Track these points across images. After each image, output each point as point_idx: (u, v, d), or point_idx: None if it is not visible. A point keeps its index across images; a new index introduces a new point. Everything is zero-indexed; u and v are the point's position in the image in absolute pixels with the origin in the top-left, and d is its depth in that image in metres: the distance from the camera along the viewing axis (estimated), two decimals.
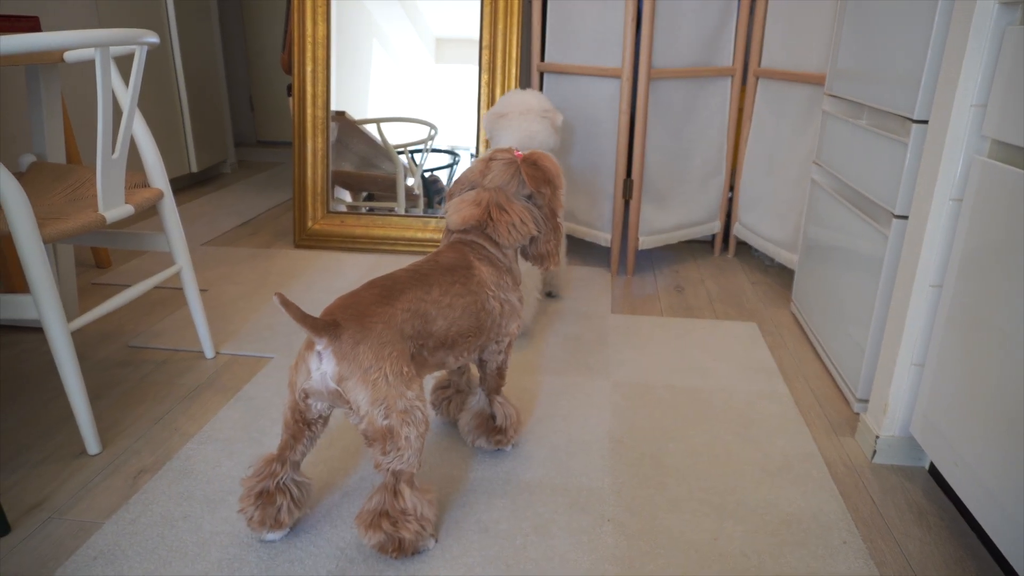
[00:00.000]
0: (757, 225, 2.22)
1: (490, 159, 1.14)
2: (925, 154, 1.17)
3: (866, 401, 1.40)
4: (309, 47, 2.35)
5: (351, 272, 2.18)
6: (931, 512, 1.14)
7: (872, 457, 1.28)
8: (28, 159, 1.57)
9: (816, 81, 1.90)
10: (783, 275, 2.22)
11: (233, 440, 1.31)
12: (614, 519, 1.11)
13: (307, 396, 0.97)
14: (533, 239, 1.16)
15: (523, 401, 1.45)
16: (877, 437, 1.26)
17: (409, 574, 1.00)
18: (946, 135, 1.09)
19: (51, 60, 1.47)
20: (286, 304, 0.89)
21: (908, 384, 1.22)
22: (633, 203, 2.13)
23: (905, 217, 1.26)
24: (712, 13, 2.10)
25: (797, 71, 1.98)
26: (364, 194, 2.56)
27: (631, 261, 2.19)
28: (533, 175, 1.12)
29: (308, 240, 2.41)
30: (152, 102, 2.92)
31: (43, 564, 1.01)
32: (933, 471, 1.24)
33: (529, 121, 1.72)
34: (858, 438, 1.34)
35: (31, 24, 1.90)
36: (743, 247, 2.47)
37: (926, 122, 1.21)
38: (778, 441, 1.33)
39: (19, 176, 1.51)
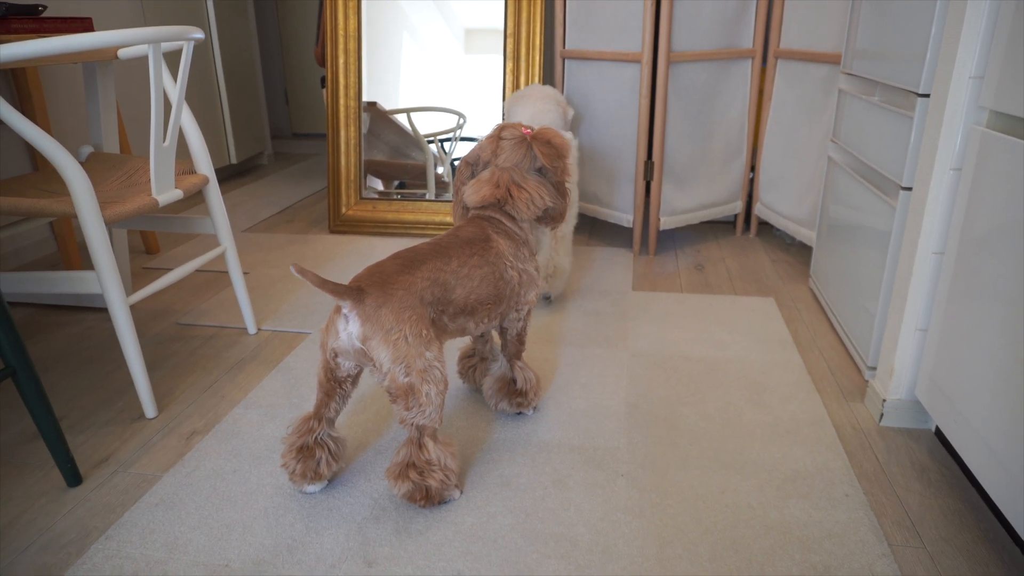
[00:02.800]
0: (777, 204, 2.26)
1: (499, 137, 1.22)
2: (927, 126, 1.21)
3: (875, 368, 1.45)
4: (341, 40, 2.45)
5: (383, 254, 2.28)
6: (933, 470, 1.20)
7: (880, 420, 1.33)
8: (87, 150, 1.70)
9: (833, 60, 1.93)
10: (803, 253, 2.25)
11: (275, 406, 1.42)
12: (627, 474, 1.19)
13: (336, 355, 1.06)
14: (546, 208, 1.24)
15: (544, 370, 1.53)
16: (884, 401, 1.32)
17: (437, 519, 1.09)
18: (945, 107, 1.14)
19: (106, 57, 1.59)
20: (303, 272, 0.99)
21: (913, 349, 1.27)
22: (654, 184, 2.19)
23: (910, 188, 1.31)
24: None
25: (815, 51, 2.01)
26: (396, 183, 2.66)
27: (652, 241, 2.25)
28: (546, 152, 1.20)
29: (342, 225, 2.52)
30: (194, 97, 3.06)
31: (111, 510, 1.12)
32: (939, 433, 1.29)
33: (544, 102, 1.85)
34: (867, 403, 1.39)
35: (85, 25, 2.03)
36: (765, 227, 2.50)
37: (929, 95, 1.25)
38: (789, 406, 1.39)
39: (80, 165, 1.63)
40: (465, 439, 1.29)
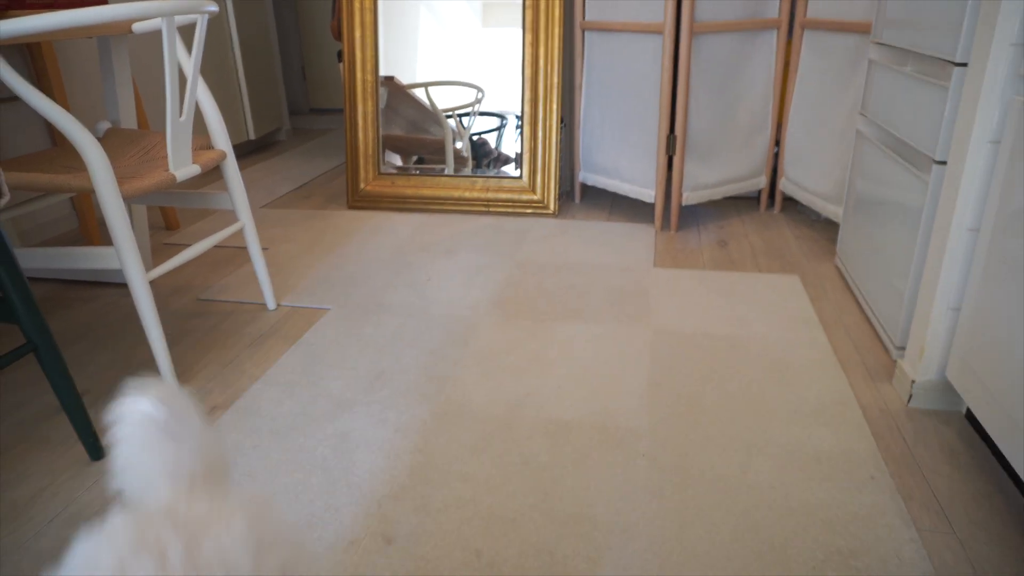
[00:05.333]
0: (803, 179, 2.20)
1: None
2: (964, 96, 1.16)
3: (904, 349, 1.41)
4: (358, 13, 2.42)
5: (402, 229, 2.27)
6: (963, 453, 1.17)
7: (908, 402, 1.30)
8: (104, 126, 1.69)
9: (862, 30, 1.86)
10: (829, 229, 2.20)
11: (294, 383, 1.42)
12: (648, 454, 1.18)
13: None
14: None
15: (564, 348, 1.52)
16: (913, 382, 1.28)
17: (455, 497, 1.08)
18: (984, 76, 1.09)
19: (121, 31, 1.57)
20: None
21: (945, 328, 1.24)
22: (676, 159, 2.14)
23: (944, 163, 1.26)
24: None
25: (843, 20, 1.94)
26: (414, 158, 2.64)
27: (675, 216, 2.21)
28: None
29: (361, 201, 2.51)
30: (211, 72, 3.05)
31: None
32: (970, 416, 1.26)
33: None
34: (895, 384, 1.36)
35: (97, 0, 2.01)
36: (790, 203, 2.45)
37: (966, 65, 1.20)
38: (814, 386, 1.36)
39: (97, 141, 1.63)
40: (485, 418, 1.29)
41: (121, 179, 1.31)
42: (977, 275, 1.14)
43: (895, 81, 1.53)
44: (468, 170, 2.53)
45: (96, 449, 1.19)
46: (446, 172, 2.54)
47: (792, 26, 2.17)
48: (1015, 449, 0.99)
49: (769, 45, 2.19)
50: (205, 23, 1.39)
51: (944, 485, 1.09)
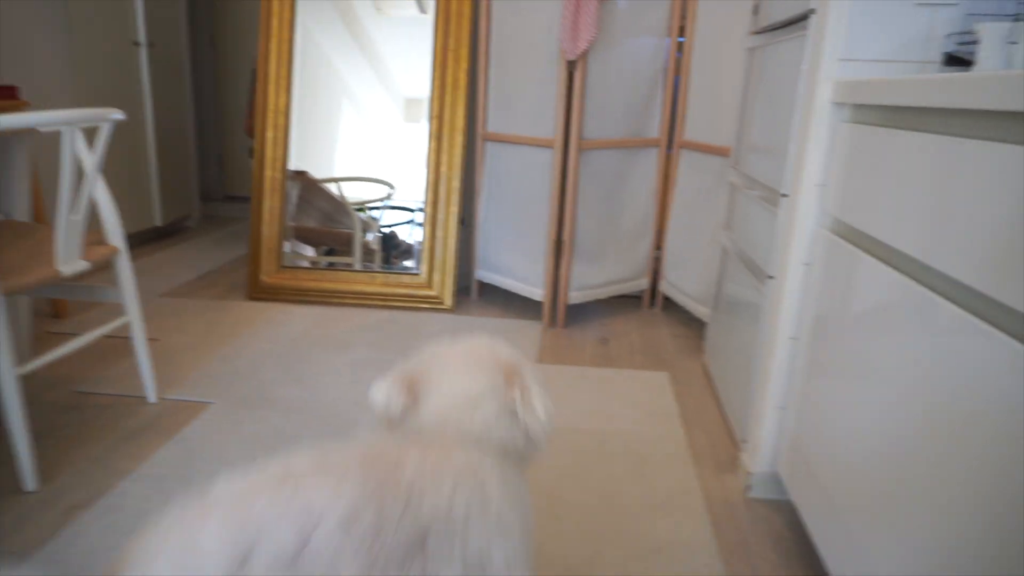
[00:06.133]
0: (680, 282, 2.40)
1: None
2: (786, 223, 1.35)
3: (747, 442, 1.55)
4: (271, 115, 2.54)
5: (299, 322, 2.31)
6: (788, 539, 1.28)
7: (746, 492, 1.41)
8: None
9: (727, 154, 2.11)
10: (702, 328, 2.38)
11: (165, 477, 1.41)
12: None
13: None
14: None
15: None
16: (750, 473, 1.41)
17: None
18: (797, 208, 1.28)
19: (24, 131, 1.62)
20: None
21: (774, 425, 1.37)
22: (564, 261, 2.30)
23: (773, 277, 1.44)
24: (641, 90, 2.32)
25: (713, 144, 2.19)
26: (324, 249, 2.72)
27: (561, 314, 2.34)
28: None
29: (261, 293, 2.54)
30: (121, 157, 3.08)
31: None
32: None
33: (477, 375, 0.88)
34: (737, 475, 1.48)
35: (9, 92, 2.06)
36: (670, 302, 2.64)
37: (787, 196, 1.40)
38: (665, 478, 1.47)
39: None
40: None
41: (3, 273, 1.32)
42: (798, 378, 1.29)
43: (746, 202, 1.73)
44: (377, 263, 2.62)
45: None
46: (355, 266, 2.62)
47: (672, 143, 2.42)
48: (825, 535, 1.11)
49: (651, 160, 2.43)
50: (109, 130, 1.46)
51: (768, 570, 1.19)
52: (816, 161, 1.26)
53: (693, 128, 2.32)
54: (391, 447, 0.71)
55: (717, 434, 1.67)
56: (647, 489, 1.42)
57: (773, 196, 1.48)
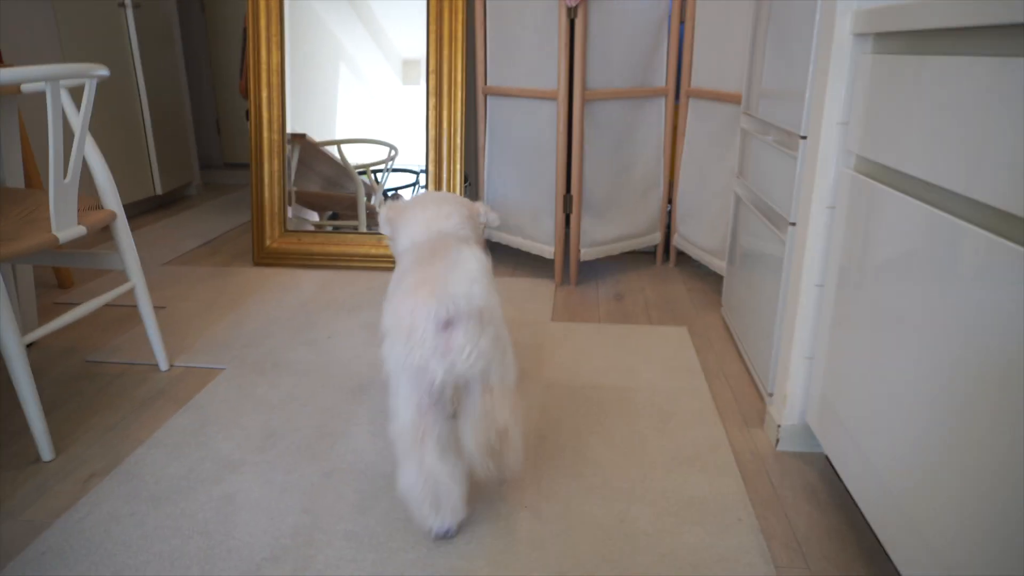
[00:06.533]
0: (693, 235, 2.35)
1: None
2: (806, 166, 1.30)
3: (773, 395, 1.52)
4: (264, 74, 2.46)
5: (307, 286, 2.27)
6: (822, 491, 1.26)
7: (776, 445, 1.39)
8: None
9: (737, 100, 2.04)
10: (718, 282, 2.34)
11: (181, 444, 1.39)
12: (531, 506, 1.21)
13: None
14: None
15: None
16: (779, 426, 1.38)
17: (336, 557, 1.08)
18: (819, 149, 1.22)
19: (9, 91, 1.56)
20: None
21: (802, 376, 1.34)
22: (573, 217, 2.25)
23: (795, 224, 1.39)
24: (645, 37, 2.24)
25: (722, 91, 2.12)
26: (329, 214, 2.66)
27: (573, 272, 2.30)
28: None
29: (266, 258, 2.50)
30: (115, 126, 3.00)
31: None
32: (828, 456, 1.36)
33: (445, 205, 1.37)
34: (765, 429, 1.45)
35: None
36: (684, 256, 2.59)
37: (807, 138, 1.34)
38: (692, 433, 1.44)
39: None
40: (375, 475, 1.29)
41: None
42: (825, 327, 1.25)
43: (761, 149, 1.68)
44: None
45: None
46: (359, 229, 2.57)
47: (679, 93, 2.35)
48: (862, 487, 1.08)
49: (658, 110, 2.36)
50: (93, 87, 1.40)
51: (803, 524, 1.17)
52: (837, 98, 1.20)
53: (700, 75, 2.24)
54: (439, 249, 1.21)
55: (741, 388, 1.64)
56: (674, 444, 1.40)
57: (790, 139, 1.43)
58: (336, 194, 2.62)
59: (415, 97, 2.50)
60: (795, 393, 1.35)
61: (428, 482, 1.07)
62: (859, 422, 1.08)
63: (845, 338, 1.17)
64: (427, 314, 1.05)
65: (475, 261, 1.03)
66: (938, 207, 0.87)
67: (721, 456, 1.36)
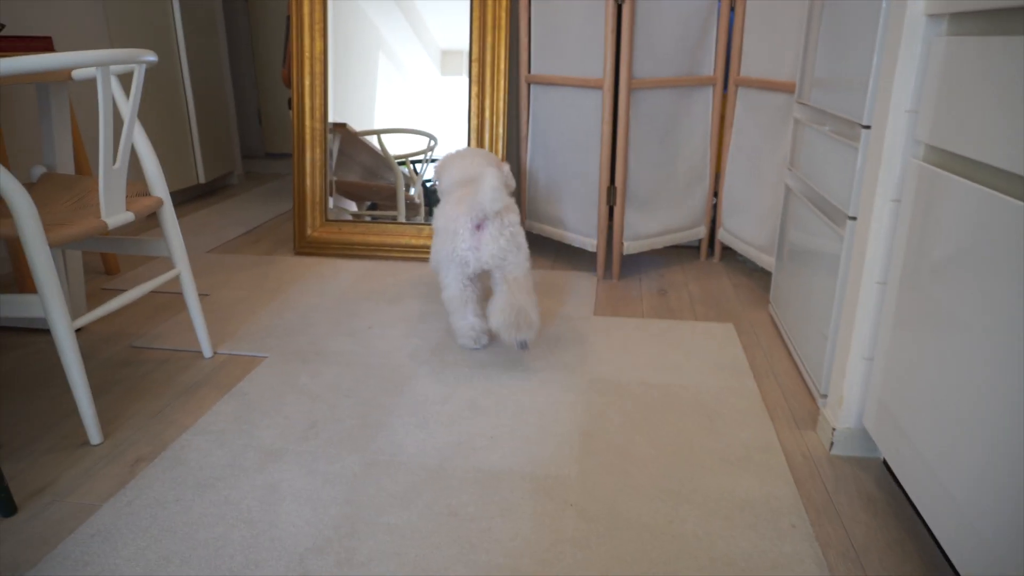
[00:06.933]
0: (739, 230, 2.28)
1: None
2: (869, 157, 1.24)
3: (827, 396, 1.46)
4: (308, 62, 2.46)
5: (348, 276, 2.27)
6: (880, 499, 1.20)
7: (830, 448, 1.34)
8: (39, 170, 1.67)
9: (789, 89, 1.97)
10: (764, 278, 2.28)
11: (225, 432, 1.39)
12: (576, 504, 1.18)
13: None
14: None
15: (500, 397, 1.52)
16: (834, 429, 1.32)
17: (379, 551, 1.07)
18: (884, 139, 1.16)
19: (60, 78, 1.57)
20: None
21: (860, 377, 1.28)
22: (617, 209, 2.21)
23: (855, 218, 1.33)
24: (693, 25, 2.18)
25: (773, 79, 2.05)
26: (368, 204, 2.66)
27: (616, 265, 2.26)
28: None
29: (307, 247, 2.51)
30: (161, 115, 3.04)
31: (45, 541, 1.09)
32: (887, 462, 1.30)
33: (479, 158, 1.87)
34: (818, 431, 1.40)
35: (44, 44, 2.01)
36: (729, 251, 2.53)
37: (870, 127, 1.28)
38: (741, 433, 1.39)
39: (30, 186, 1.61)
40: (415, 467, 1.28)
41: (49, 226, 1.29)
42: (887, 327, 1.20)
43: (816, 139, 1.61)
44: (421, 216, 2.55)
45: (7, 505, 1.15)
46: (399, 219, 2.56)
47: (727, 82, 2.28)
48: (924, 496, 1.03)
49: (706, 100, 2.30)
50: (142, 72, 1.40)
51: (861, 532, 1.12)
52: (906, 85, 1.13)
53: (750, 63, 2.17)
54: (473, 180, 1.69)
55: (791, 387, 1.58)
56: (722, 444, 1.35)
57: (851, 129, 1.37)
58: (375, 184, 2.61)
59: (454, 88, 2.47)
60: (852, 395, 1.30)
61: (471, 330, 1.71)
62: (922, 427, 1.03)
63: (908, 338, 1.11)
64: (464, 221, 1.59)
65: (493, 178, 1.53)
66: (1020, 198, 0.81)
67: (772, 458, 1.31)
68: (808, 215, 1.64)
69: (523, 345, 1.65)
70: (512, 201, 1.61)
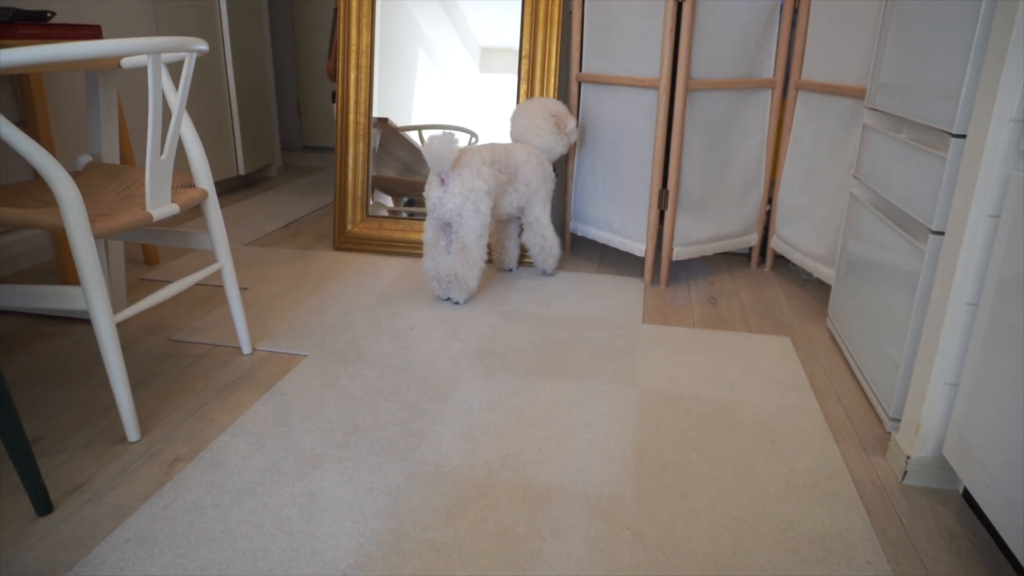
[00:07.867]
0: (795, 239, 2.18)
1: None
2: (963, 169, 1.14)
3: (898, 420, 1.37)
4: (354, 55, 2.41)
5: (388, 273, 2.23)
6: (962, 537, 1.11)
7: (903, 478, 1.25)
8: (85, 159, 1.65)
9: (856, 94, 1.87)
10: (820, 290, 2.18)
11: (264, 434, 1.35)
12: (632, 527, 1.11)
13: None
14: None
15: (548, 407, 1.46)
16: (908, 458, 1.23)
17: (426, 568, 1.01)
18: (983, 150, 1.07)
19: (109, 66, 1.55)
20: None
21: (942, 404, 1.19)
22: (668, 213, 2.13)
23: (942, 233, 1.24)
24: (755, 26, 2.09)
25: (837, 84, 1.95)
26: (405, 199, 2.61)
27: (665, 271, 2.18)
28: None
29: (347, 243, 2.47)
30: (203, 106, 3.03)
31: (80, 544, 1.05)
32: (967, 495, 1.21)
33: (534, 117, 2.11)
34: (889, 458, 1.31)
35: (93, 32, 1.99)
36: (781, 261, 2.43)
37: (964, 136, 1.18)
38: (805, 457, 1.31)
39: (76, 175, 1.59)
40: (461, 480, 1.22)
41: (95, 216, 1.26)
42: (976, 351, 1.11)
43: (889, 147, 1.52)
44: None
45: (44, 504, 1.11)
46: None
47: (787, 87, 2.18)
48: (1015, 533, 0.94)
49: (763, 104, 2.20)
50: (193, 61, 1.36)
51: (944, 573, 1.04)
52: (1012, 93, 1.04)
53: (813, 67, 2.07)
54: (501, 146, 2.02)
55: (856, 408, 1.49)
56: (786, 468, 1.27)
57: (937, 138, 1.27)
58: (415, 179, 2.56)
59: (493, 85, 2.41)
60: (931, 422, 1.21)
61: (430, 271, 1.96)
62: (1015, 459, 0.94)
63: (1000, 364, 1.02)
64: (434, 175, 1.88)
65: (439, 138, 1.81)
66: None
67: (840, 486, 1.23)
68: (878, 226, 1.54)
69: (449, 300, 1.96)
70: (482, 166, 1.89)
